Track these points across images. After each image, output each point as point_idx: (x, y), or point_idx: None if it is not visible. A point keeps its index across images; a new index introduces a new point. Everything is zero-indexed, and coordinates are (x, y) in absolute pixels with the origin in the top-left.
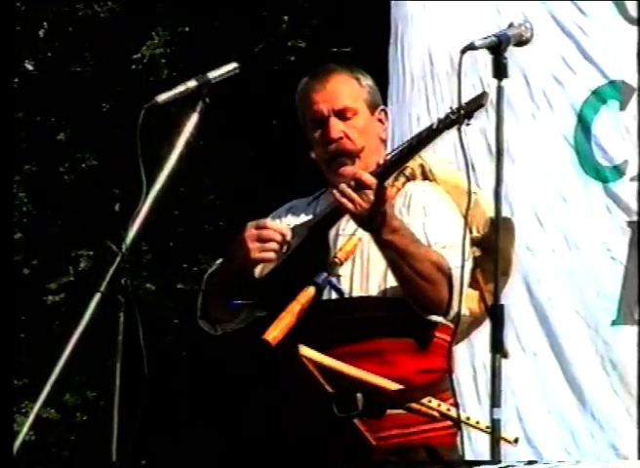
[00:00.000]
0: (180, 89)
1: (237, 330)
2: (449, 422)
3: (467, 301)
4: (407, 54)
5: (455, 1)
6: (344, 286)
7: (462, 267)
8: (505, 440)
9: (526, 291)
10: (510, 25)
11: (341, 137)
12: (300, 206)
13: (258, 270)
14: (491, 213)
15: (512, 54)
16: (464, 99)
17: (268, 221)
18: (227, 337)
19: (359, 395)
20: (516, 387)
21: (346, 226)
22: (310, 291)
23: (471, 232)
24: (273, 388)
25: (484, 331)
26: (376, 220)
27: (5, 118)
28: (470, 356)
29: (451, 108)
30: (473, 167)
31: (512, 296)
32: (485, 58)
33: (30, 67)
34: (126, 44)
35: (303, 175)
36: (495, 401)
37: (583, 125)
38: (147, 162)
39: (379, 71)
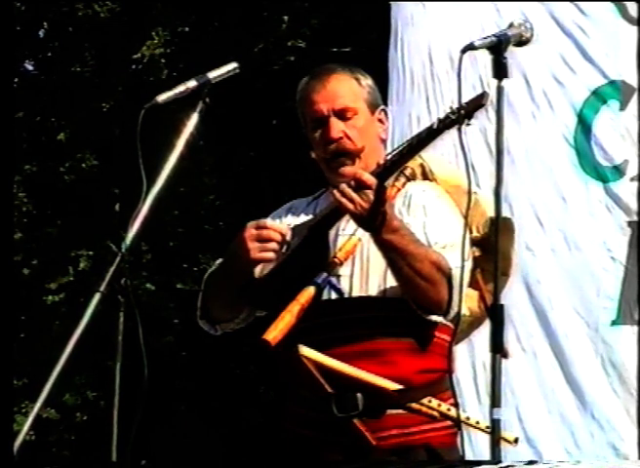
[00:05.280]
0: (180, 89)
1: (237, 329)
2: (449, 422)
3: (467, 301)
4: (407, 54)
5: (455, 1)
6: (344, 286)
7: (462, 267)
8: (505, 440)
9: (526, 291)
10: (510, 25)
11: (342, 137)
12: (300, 206)
13: (258, 270)
14: (491, 213)
15: (512, 54)
16: (464, 99)
17: (268, 221)
18: (228, 337)
19: (359, 395)
20: (516, 387)
21: (346, 226)
22: (310, 291)
23: (471, 232)
24: (273, 388)
25: (484, 331)
26: (376, 220)
27: (5, 118)
28: (470, 356)
29: (451, 108)
30: (473, 167)
31: (512, 296)
32: (485, 58)
33: (30, 67)
34: (126, 44)
35: (303, 175)
36: (495, 401)
37: (583, 125)
38: (147, 162)
39: (379, 71)
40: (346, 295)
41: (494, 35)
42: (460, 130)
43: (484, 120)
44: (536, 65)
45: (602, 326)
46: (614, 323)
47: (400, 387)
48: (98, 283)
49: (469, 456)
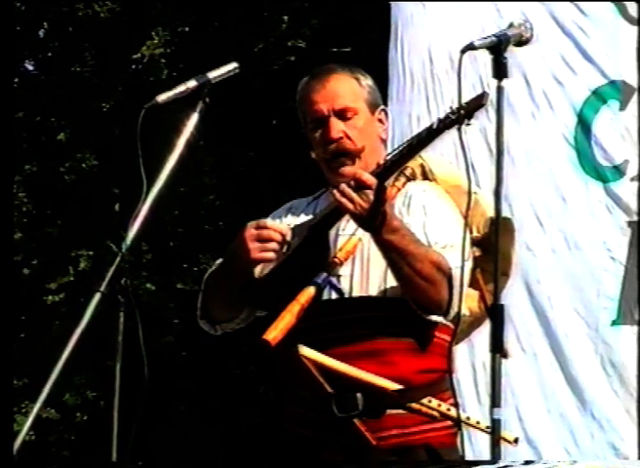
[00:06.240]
0: (181, 89)
1: (237, 329)
2: (449, 422)
3: (467, 301)
4: (407, 54)
5: (455, 1)
6: (344, 286)
7: (462, 267)
8: (505, 440)
9: (526, 291)
10: (510, 25)
11: (342, 137)
12: (300, 206)
13: (258, 270)
14: (491, 213)
15: (512, 54)
16: (464, 99)
17: (268, 221)
18: (228, 337)
19: (359, 395)
20: (516, 387)
21: (346, 226)
22: (310, 291)
23: (471, 232)
24: (273, 388)
25: (484, 331)
26: (376, 220)
27: (5, 118)
28: (470, 356)
29: (451, 108)
30: (473, 167)
31: (512, 296)
32: (485, 58)
33: (30, 67)
34: (126, 44)
35: (303, 175)
36: (495, 401)
37: (583, 125)
38: (147, 162)
39: (379, 71)
40: (347, 295)
41: (494, 35)
42: (459, 130)
43: (484, 120)
44: (536, 65)
45: (602, 326)
46: (614, 323)
47: (400, 387)
48: (98, 283)
49: (469, 456)
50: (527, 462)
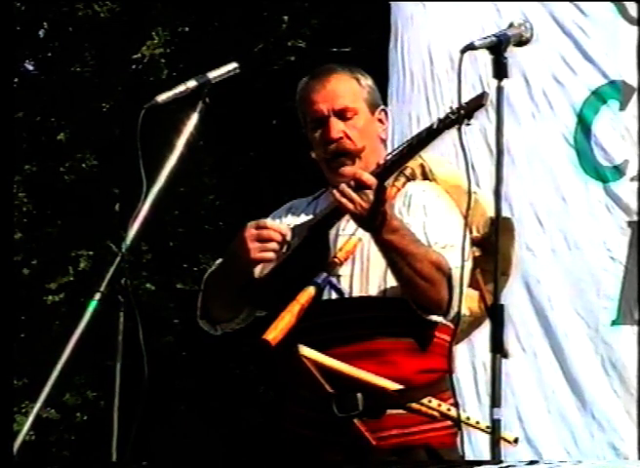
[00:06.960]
0: (180, 89)
1: (237, 329)
2: (449, 422)
3: (467, 301)
4: (407, 54)
5: (455, 1)
6: (344, 286)
7: (462, 267)
8: (505, 440)
9: (526, 291)
10: (510, 25)
11: (342, 137)
12: (300, 206)
13: (257, 270)
14: (491, 212)
15: (512, 54)
16: (464, 99)
17: (268, 221)
18: (228, 337)
19: (359, 395)
20: (516, 387)
21: (346, 226)
22: (310, 291)
23: (471, 232)
24: (273, 388)
25: (484, 331)
26: (375, 220)
27: (5, 118)
28: (470, 356)
29: (451, 108)
30: (473, 167)
31: (512, 296)
32: (485, 57)
33: (30, 67)
34: (126, 44)
35: (303, 175)
36: (495, 401)
37: (583, 125)
38: (147, 162)
39: (379, 71)
40: (347, 295)
41: (494, 35)
42: (459, 130)
43: (484, 120)
44: (536, 65)
45: (602, 326)
46: (614, 323)
47: (400, 387)
48: (98, 283)
49: (469, 456)
50: (531, 462)
